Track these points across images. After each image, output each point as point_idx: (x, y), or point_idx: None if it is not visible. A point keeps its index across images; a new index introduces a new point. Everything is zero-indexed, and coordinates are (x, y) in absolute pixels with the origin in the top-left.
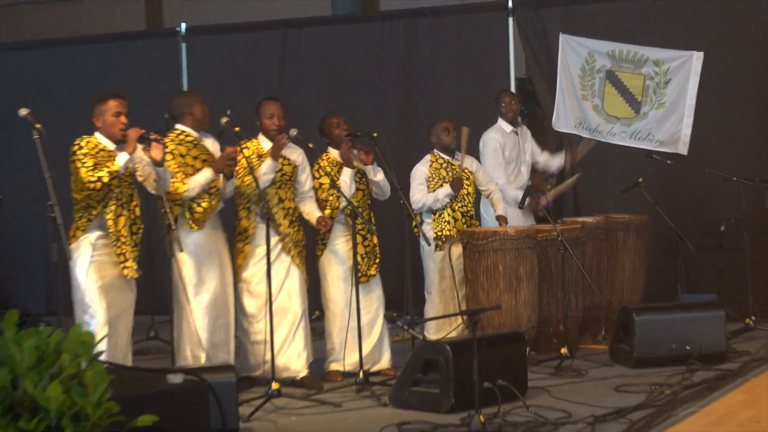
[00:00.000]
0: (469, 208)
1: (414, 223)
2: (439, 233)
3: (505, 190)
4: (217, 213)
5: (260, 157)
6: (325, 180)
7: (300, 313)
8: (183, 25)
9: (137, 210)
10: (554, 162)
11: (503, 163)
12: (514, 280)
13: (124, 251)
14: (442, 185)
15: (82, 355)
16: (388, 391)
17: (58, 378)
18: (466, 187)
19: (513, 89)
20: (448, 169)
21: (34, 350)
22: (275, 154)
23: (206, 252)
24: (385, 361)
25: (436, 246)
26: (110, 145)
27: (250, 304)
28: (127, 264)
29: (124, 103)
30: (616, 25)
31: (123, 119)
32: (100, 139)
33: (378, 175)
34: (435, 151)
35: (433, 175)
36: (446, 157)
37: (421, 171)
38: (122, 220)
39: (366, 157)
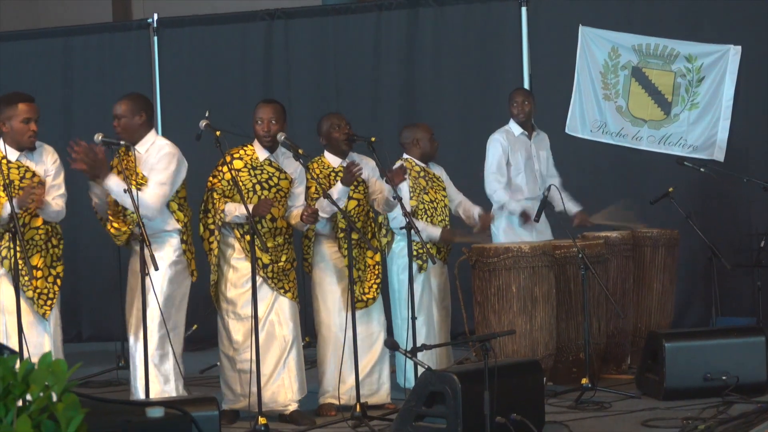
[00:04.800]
0: (447, 223)
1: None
2: (421, 251)
3: (499, 199)
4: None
5: (254, 168)
6: (312, 183)
7: (291, 340)
8: (154, 17)
9: (50, 227)
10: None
11: (501, 170)
12: (529, 302)
13: (34, 287)
14: (423, 200)
15: (52, 386)
16: (388, 426)
17: (27, 411)
18: (442, 198)
19: (527, 86)
20: (427, 179)
21: (0, 381)
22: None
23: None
24: (384, 394)
25: (420, 267)
26: (12, 154)
27: (237, 329)
28: (41, 304)
29: (35, 108)
30: (643, 15)
31: (33, 126)
32: (0, 146)
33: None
34: (407, 156)
35: (414, 186)
36: (421, 164)
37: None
38: (6, 263)
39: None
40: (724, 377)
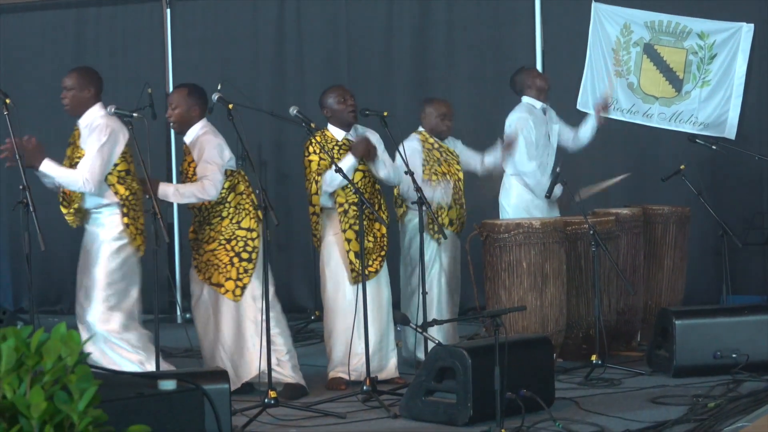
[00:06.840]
0: (461, 195)
1: (429, 215)
2: (431, 225)
3: (536, 179)
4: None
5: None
6: (320, 157)
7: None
8: None
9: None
10: (583, 131)
11: (533, 146)
12: (540, 278)
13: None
14: (436, 171)
15: (66, 358)
16: (398, 401)
17: (40, 383)
18: (456, 172)
19: (539, 62)
20: (441, 151)
21: (14, 352)
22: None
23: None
24: (392, 368)
25: (438, 241)
26: None
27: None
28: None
29: None
30: None
31: None
32: None
33: (381, 172)
34: (421, 129)
35: (428, 158)
36: (436, 139)
37: (416, 151)
38: None
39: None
40: (734, 355)
